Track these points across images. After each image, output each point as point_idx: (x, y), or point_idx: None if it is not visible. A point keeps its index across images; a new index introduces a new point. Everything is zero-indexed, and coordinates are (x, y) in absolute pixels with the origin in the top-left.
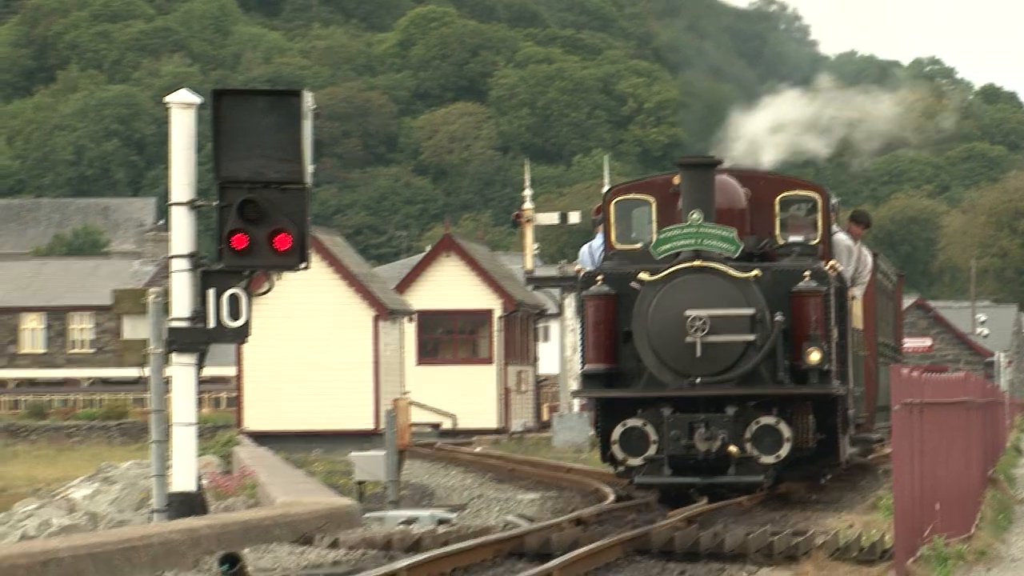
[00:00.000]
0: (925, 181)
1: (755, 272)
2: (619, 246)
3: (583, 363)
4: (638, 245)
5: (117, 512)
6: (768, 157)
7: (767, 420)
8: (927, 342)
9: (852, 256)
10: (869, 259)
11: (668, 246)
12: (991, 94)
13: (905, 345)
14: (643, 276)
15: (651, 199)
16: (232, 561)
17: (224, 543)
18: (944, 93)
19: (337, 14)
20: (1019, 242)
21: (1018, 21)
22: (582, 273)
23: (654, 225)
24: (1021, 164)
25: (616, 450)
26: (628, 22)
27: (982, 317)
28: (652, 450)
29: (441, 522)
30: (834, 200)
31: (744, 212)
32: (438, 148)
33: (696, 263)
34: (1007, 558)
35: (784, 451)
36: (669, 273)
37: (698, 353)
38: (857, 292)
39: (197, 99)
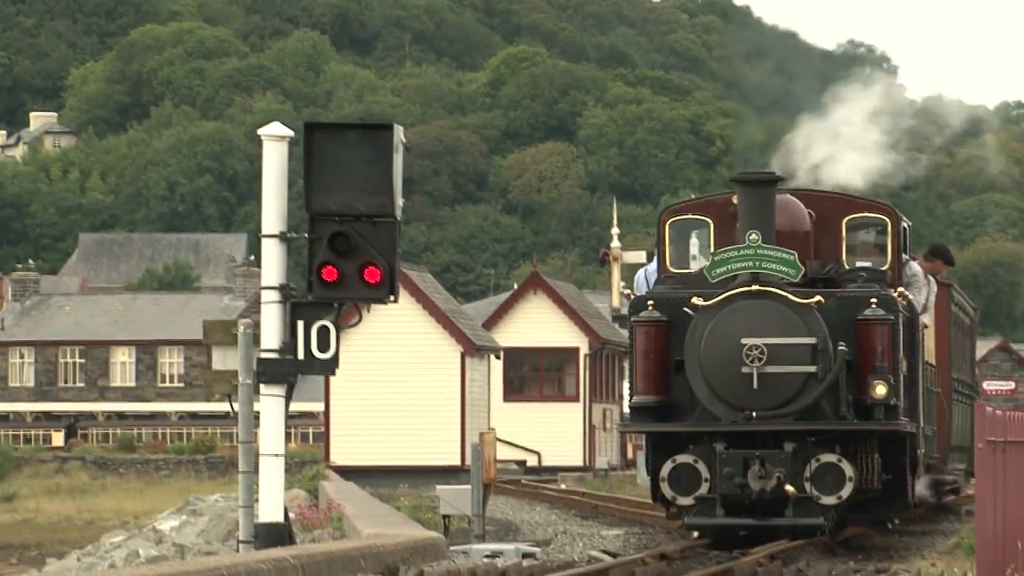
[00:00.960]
0: (1010, 224)
1: (817, 298)
2: (674, 270)
3: (631, 394)
4: (693, 269)
5: (204, 543)
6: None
7: (828, 458)
8: (1011, 385)
9: (924, 286)
10: (934, 289)
11: (724, 269)
12: None
13: (988, 387)
14: (696, 301)
15: (709, 220)
16: None
17: (310, 574)
18: None
19: (428, 53)
20: None
21: None
22: (632, 298)
23: (712, 248)
24: None
25: (665, 488)
26: (716, 64)
27: None
28: (704, 489)
29: (525, 556)
30: (905, 223)
31: (808, 235)
32: (527, 187)
33: (754, 288)
34: None
35: (846, 491)
36: (724, 298)
37: (755, 385)
38: (927, 319)
39: (289, 132)
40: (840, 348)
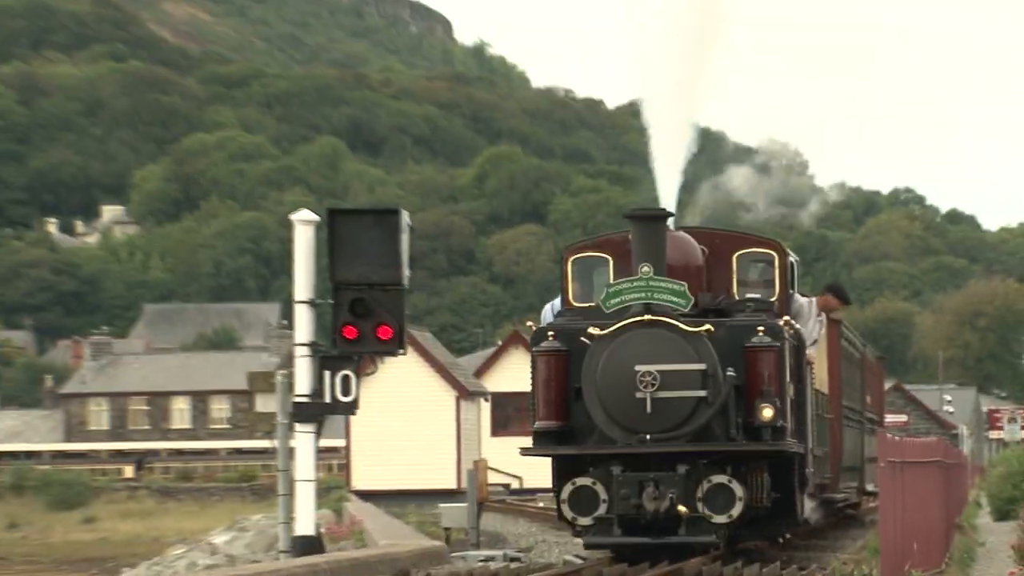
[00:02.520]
0: (902, 287)
1: (707, 327)
2: (577, 304)
3: (533, 420)
4: (593, 304)
5: (250, 553)
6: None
7: (719, 479)
8: (904, 417)
9: (811, 317)
10: (823, 322)
11: (618, 299)
12: (955, 217)
13: (887, 420)
14: (592, 331)
15: (608, 256)
16: None
17: None
18: (917, 216)
19: (426, 153)
20: (978, 336)
21: (977, 158)
22: (535, 329)
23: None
24: (978, 274)
25: (565, 509)
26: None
27: (948, 397)
28: (602, 509)
29: (512, 560)
30: (793, 259)
31: (700, 268)
32: (507, 261)
33: (646, 317)
34: None
35: (736, 510)
36: (619, 327)
37: (648, 409)
38: (812, 351)
39: (316, 217)
40: (729, 374)
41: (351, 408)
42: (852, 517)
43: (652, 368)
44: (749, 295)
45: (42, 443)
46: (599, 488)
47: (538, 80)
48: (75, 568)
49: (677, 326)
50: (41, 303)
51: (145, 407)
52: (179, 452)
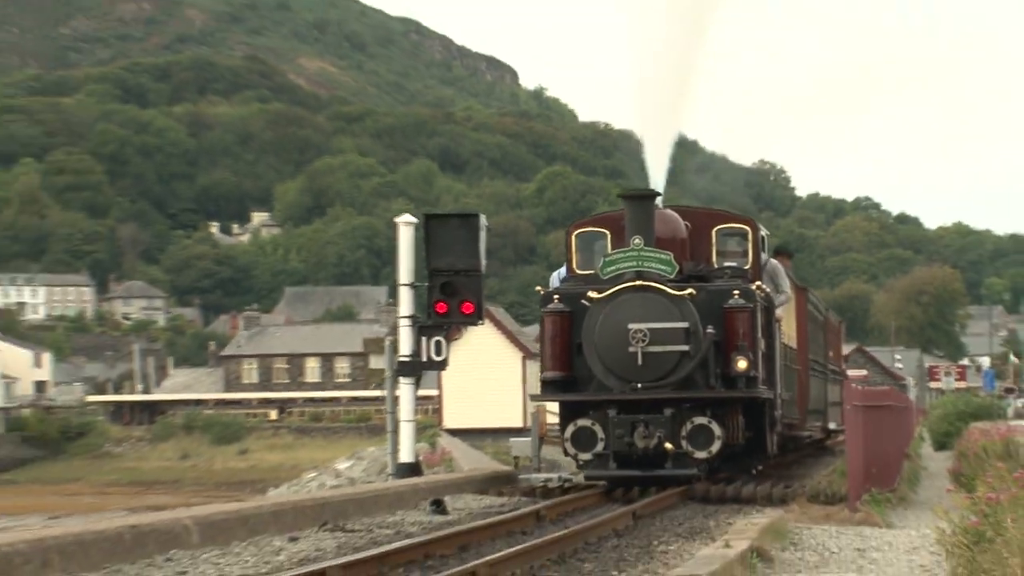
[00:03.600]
0: (863, 272)
1: (689, 291)
2: (579, 272)
3: (542, 371)
4: (593, 271)
5: (366, 476)
6: None
7: (700, 420)
8: (864, 372)
9: (784, 279)
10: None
11: (613, 268)
12: (903, 218)
13: (851, 373)
14: (592, 294)
15: (607, 231)
16: (438, 503)
17: (433, 493)
18: (874, 219)
19: (498, 172)
20: (921, 310)
21: (921, 171)
22: (542, 294)
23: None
24: (921, 263)
25: (568, 447)
26: (678, 175)
27: (898, 357)
28: (600, 447)
29: (565, 481)
30: (763, 232)
31: (685, 241)
32: (560, 254)
33: (637, 283)
34: (916, 502)
35: (715, 447)
36: (614, 292)
37: (639, 362)
38: (780, 311)
39: (415, 220)
40: (708, 331)
41: (442, 365)
42: (823, 448)
43: (643, 326)
44: (727, 264)
45: (207, 393)
46: (597, 428)
47: (584, 115)
48: (232, 489)
49: (664, 290)
50: (206, 287)
51: (285, 365)
52: (311, 400)
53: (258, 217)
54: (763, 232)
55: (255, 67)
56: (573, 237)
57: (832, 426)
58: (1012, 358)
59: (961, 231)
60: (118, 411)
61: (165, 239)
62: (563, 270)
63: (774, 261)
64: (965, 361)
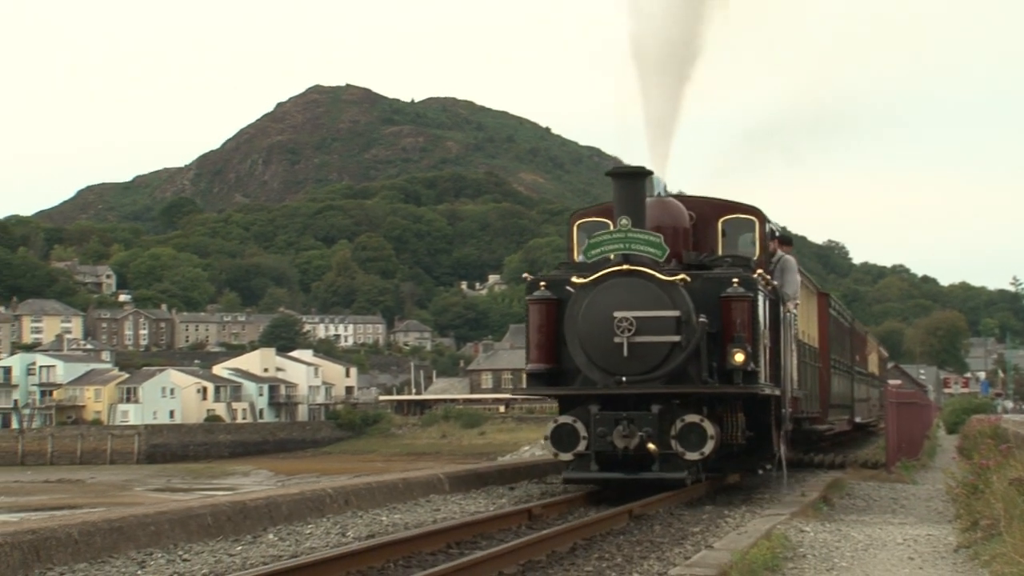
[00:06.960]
0: (897, 315)
1: (681, 276)
2: (577, 261)
3: (527, 362)
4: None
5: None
6: None
7: (692, 418)
8: (899, 381)
9: (795, 269)
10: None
11: (598, 250)
12: (927, 279)
13: (889, 383)
14: (575, 279)
15: (608, 221)
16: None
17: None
18: (905, 279)
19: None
20: (937, 340)
21: (949, 241)
22: (528, 280)
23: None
24: (937, 310)
25: (548, 446)
26: None
27: (922, 371)
28: (582, 446)
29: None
30: (771, 225)
31: (688, 231)
32: None
33: (624, 267)
34: (932, 467)
35: (708, 448)
36: (599, 276)
37: (625, 353)
38: (792, 306)
39: None
40: (701, 320)
41: None
42: (872, 433)
43: (629, 314)
44: (730, 253)
45: (458, 394)
46: (579, 426)
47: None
48: (474, 457)
49: (653, 275)
50: (458, 324)
51: (510, 375)
52: (527, 398)
53: (492, 278)
54: (771, 224)
55: (491, 179)
56: (575, 226)
57: (858, 419)
58: (1000, 373)
59: (965, 287)
60: (400, 406)
61: (432, 293)
62: None
63: (789, 257)
64: (968, 375)
